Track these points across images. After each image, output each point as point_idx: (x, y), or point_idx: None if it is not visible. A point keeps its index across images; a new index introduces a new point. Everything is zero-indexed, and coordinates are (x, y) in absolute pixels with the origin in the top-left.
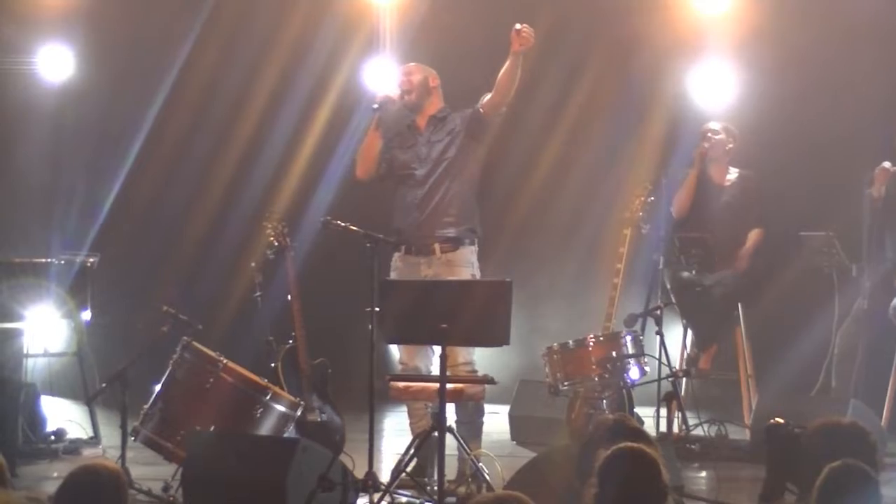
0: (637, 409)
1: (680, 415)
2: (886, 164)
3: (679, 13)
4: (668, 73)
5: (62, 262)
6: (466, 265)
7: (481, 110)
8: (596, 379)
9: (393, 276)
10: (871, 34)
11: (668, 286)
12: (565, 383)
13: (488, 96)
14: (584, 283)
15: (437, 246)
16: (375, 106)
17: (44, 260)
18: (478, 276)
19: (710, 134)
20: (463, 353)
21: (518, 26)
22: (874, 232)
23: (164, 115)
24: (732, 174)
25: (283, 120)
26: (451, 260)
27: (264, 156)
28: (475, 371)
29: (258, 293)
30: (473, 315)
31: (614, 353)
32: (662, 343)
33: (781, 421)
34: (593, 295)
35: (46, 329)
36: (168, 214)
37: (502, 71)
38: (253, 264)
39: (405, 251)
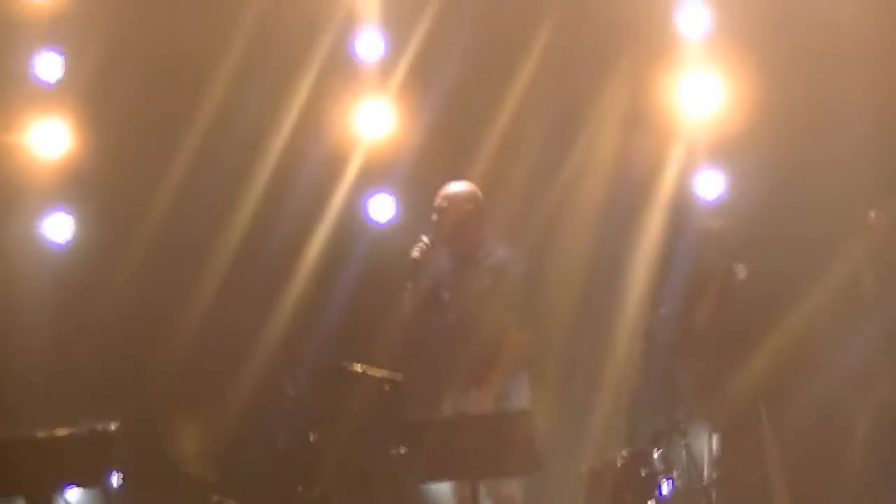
0: None
1: None
2: None
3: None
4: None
5: (85, 430)
6: None
7: None
8: (628, 498)
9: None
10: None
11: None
12: None
13: None
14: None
15: None
16: None
17: (66, 431)
18: None
19: None
20: (506, 484)
21: None
22: None
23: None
24: None
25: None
26: None
27: None
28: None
29: (282, 445)
30: (500, 446)
31: (644, 472)
32: (689, 454)
33: None
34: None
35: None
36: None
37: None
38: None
39: None
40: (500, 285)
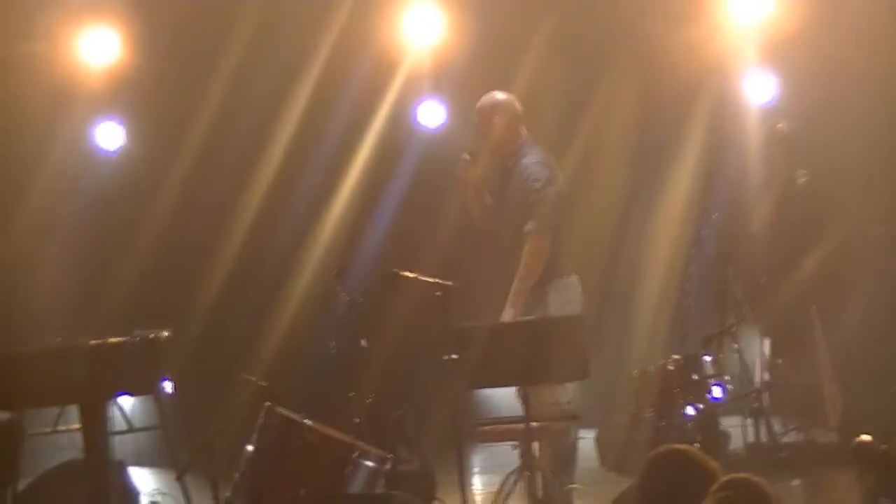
0: (723, 419)
1: (766, 425)
2: None
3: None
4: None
5: (137, 338)
6: None
7: None
8: (680, 402)
9: None
10: None
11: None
12: (649, 410)
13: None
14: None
15: None
16: None
17: (118, 339)
18: None
19: None
20: (551, 393)
21: None
22: None
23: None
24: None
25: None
26: None
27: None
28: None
29: (334, 347)
30: (550, 352)
31: (695, 376)
32: (741, 358)
33: (868, 438)
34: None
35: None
36: (231, 279)
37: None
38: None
39: None
40: (527, 193)
